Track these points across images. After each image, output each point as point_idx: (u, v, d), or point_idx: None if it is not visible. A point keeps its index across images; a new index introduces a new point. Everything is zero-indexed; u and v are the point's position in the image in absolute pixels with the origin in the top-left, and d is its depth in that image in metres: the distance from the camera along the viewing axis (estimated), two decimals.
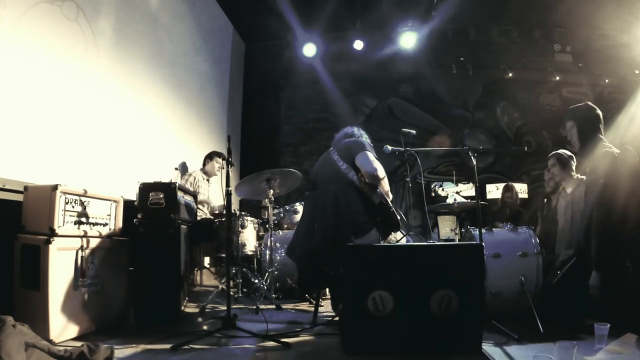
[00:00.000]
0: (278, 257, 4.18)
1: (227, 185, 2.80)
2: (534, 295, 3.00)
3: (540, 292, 3.06)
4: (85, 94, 3.49)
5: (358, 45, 7.06)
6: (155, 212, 3.04)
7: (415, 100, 7.61)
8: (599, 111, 2.97)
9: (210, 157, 4.82)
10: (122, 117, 4.01)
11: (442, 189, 6.91)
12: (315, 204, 3.01)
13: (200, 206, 4.38)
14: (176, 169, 4.78)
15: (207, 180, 4.77)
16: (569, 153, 3.67)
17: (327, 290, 3.68)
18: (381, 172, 2.88)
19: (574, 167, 3.60)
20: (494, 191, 6.60)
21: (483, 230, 3.13)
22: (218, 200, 4.99)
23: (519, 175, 7.14)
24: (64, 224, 2.53)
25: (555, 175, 3.71)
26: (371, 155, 2.92)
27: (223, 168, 4.32)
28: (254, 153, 7.21)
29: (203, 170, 4.79)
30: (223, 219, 3.99)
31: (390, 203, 2.92)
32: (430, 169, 7.43)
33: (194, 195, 3.82)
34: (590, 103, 3.05)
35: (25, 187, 2.57)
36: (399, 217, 2.93)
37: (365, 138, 3.22)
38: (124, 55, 4.05)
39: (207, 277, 5.27)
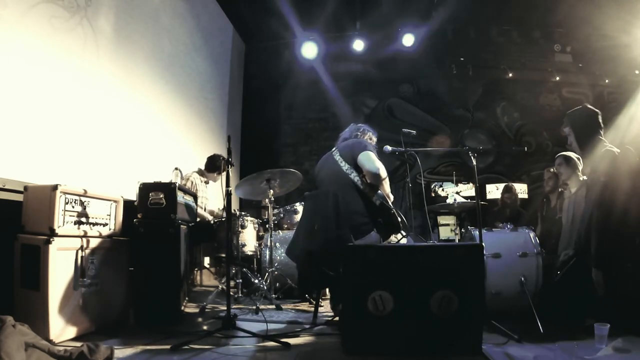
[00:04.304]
0: (278, 257, 4.18)
1: (227, 185, 2.81)
2: (534, 295, 3.00)
3: (540, 292, 3.06)
4: (86, 94, 3.50)
5: (358, 45, 7.06)
6: (155, 212, 3.04)
7: (415, 100, 7.62)
8: (596, 111, 2.96)
9: (220, 169, 4.53)
10: (122, 117, 4.01)
11: (442, 189, 6.90)
12: (315, 204, 3.01)
13: (200, 211, 4.33)
14: (176, 169, 4.77)
15: (205, 182, 4.72)
16: (576, 154, 3.69)
17: (327, 290, 3.69)
18: (383, 171, 2.88)
19: (580, 168, 3.62)
20: (494, 191, 6.60)
21: (483, 230, 3.13)
22: (215, 204, 4.96)
23: (519, 175, 7.13)
24: (64, 224, 2.53)
25: (561, 174, 3.74)
26: (373, 155, 2.94)
27: (224, 169, 4.29)
28: (254, 153, 7.20)
29: (201, 172, 4.71)
30: (223, 219, 3.98)
31: (391, 205, 2.92)
32: (430, 169, 7.43)
33: (194, 195, 3.81)
34: (587, 105, 3.04)
35: (25, 187, 2.56)
36: (399, 219, 2.93)
37: (368, 136, 3.23)
38: (124, 55, 4.05)
39: (207, 277, 5.27)
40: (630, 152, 2.80)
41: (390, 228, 2.95)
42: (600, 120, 2.96)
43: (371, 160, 2.89)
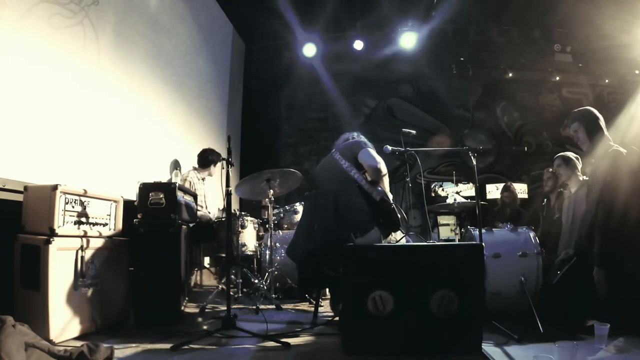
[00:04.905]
0: (278, 257, 4.18)
1: (227, 185, 2.80)
2: (534, 295, 3.00)
3: (540, 292, 3.06)
4: (86, 94, 3.49)
5: (358, 45, 7.06)
6: (155, 212, 3.04)
7: (415, 100, 7.61)
8: (599, 114, 3.03)
9: (213, 161, 4.61)
10: (122, 117, 4.01)
11: (442, 189, 6.90)
12: (315, 204, 3.01)
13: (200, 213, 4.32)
14: (176, 168, 4.76)
15: (202, 179, 4.72)
16: (574, 154, 3.70)
17: (327, 290, 3.69)
18: (383, 166, 2.91)
19: (579, 168, 3.62)
20: (494, 191, 6.60)
21: (483, 230, 3.12)
22: (215, 203, 4.95)
23: (519, 175, 7.14)
24: (64, 224, 2.53)
25: (561, 175, 3.74)
26: (373, 151, 2.98)
27: (223, 168, 4.29)
28: (254, 153, 7.20)
29: (197, 169, 4.70)
30: (223, 219, 3.98)
31: (391, 200, 2.92)
32: (430, 169, 7.43)
33: (194, 195, 3.81)
34: (590, 107, 3.10)
35: (25, 187, 2.56)
36: (399, 216, 2.93)
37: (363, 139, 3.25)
38: (124, 55, 4.05)
39: (207, 277, 5.27)
40: (634, 152, 2.80)
41: (391, 225, 2.95)
42: (604, 124, 3.01)
43: (371, 156, 2.93)
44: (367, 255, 2.33)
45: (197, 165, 4.68)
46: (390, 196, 2.98)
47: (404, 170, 6.88)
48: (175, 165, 4.80)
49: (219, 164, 4.64)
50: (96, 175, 3.49)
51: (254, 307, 3.37)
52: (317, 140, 7.53)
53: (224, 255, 3.98)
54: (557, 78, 7.26)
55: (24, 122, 2.89)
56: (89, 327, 2.64)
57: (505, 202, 5.37)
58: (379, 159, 2.92)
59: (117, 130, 3.91)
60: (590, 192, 2.99)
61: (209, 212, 4.64)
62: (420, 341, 2.26)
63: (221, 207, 4.85)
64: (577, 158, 3.68)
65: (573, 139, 3.18)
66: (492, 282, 3.04)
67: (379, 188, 2.90)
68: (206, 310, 3.44)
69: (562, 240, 3.51)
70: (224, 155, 2.91)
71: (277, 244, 4.28)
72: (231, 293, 3.08)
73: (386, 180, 2.98)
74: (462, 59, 7.32)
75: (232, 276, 3.86)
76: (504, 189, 5.45)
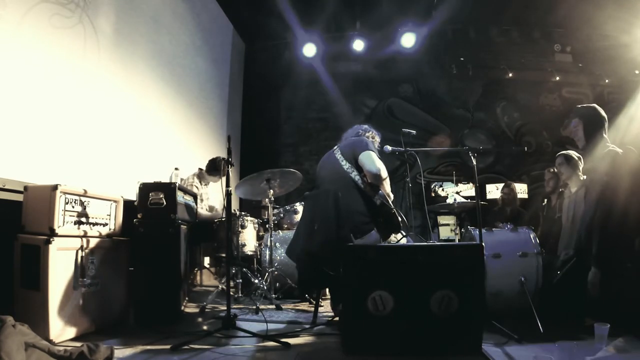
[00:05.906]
0: (278, 257, 4.18)
1: (227, 185, 2.80)
2: (534, 295, 3.00)
3: (540, 292, 3.06)
4: (86, 94, 3.50)
5: (358, 45, 7.07)
6: (155, 212, 3.04)
7: (415, 100, 7.62)
8: (604, 114, 3.02)
9: (219, 170, 4.54)
10: (123, 117, 4.01)
11: (442, 189, 6.91)
12: (315, 204, 3.01)
13: (200, 211, 4.31)
14: (176, 169, 4.76)
15: (205, 184, 4.70)
16: (577, 154, 3.69)
17: (327, 290, 3.68)
18: (384, 172, 2.89)
19: (580, 167, 3.62)
20: (494, 191, 6.60)
21: (483, 230, 3.12)
22: (216, 203, 4.96)
23: (519, 175, 7.14)
24: (64, 224, 2.53)
25: (562, 174, 3.74)
26: (374, 155, 2.94)
27: (223, 169, 4.28)
28: (254, 153, 7.20)
29: (200, 174, 4.68)
30: (223, 219, 3.98)
31: (391, 204, 2.92)
32: (430, 169, 7.43)
33: (194, 195, 3.81)
34: (596, 105, 3.08)
35: (25, 187, 2.56)
36: (400, 219, 2.93)
37: (371, 135, 3.23)
38: (125, 55, 4.05)
39: (207, 277, 5.27)
40: (631, 152, 2.81)
41: (391, 227, 2.95)
42: (606, 122, 3.00)
43: (372, 160, 2.90)
44: (367, 256, 2.33)
45: (203, 169, 4.66)
46: (392, 197, 2.97)
47: (404, 170, 6.89)
48: (176, 164, 4.80)
49: (223, 176, 4.59)
50: (96, 175, 3.49)
51: (254, 307, 3.37)
52: (317, 140, 7.53)
53: (224, 255, 3.98)
54: (557, 78, 7.26)
55: (24, 122, 2.89)
56: (89, 327, 2.64)
57: (504, 201, 5.37)
58: (379, 164, 2.90)
59: (117, 130, 3.91)
60: (589, 193, 2.99)
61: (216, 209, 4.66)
62: (420, 341, 2.26)
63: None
64: (579, 157, 3.68)
65: (571, 135, 3.18)
66: (492, 282, 3.04)
67: (380, 192, 2.90)
68: (206, 310, 3.44)
69: (562, 240, 3.50)
70: (224, 155, 2.91)
71: (277, 244, 4.28)
72: (231, 293, 3.08)
73: (387, 183, 2.97)
74: (462, 59, 7.33)
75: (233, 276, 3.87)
76: (504, 187, 5.46)
